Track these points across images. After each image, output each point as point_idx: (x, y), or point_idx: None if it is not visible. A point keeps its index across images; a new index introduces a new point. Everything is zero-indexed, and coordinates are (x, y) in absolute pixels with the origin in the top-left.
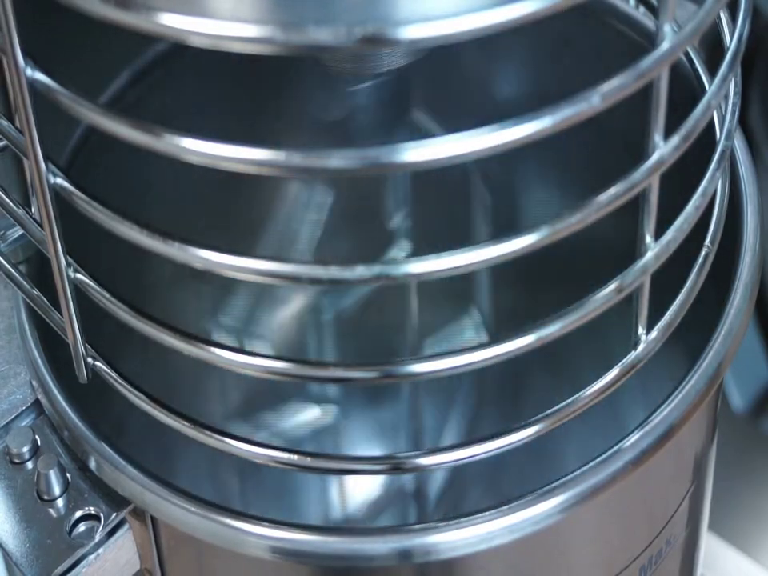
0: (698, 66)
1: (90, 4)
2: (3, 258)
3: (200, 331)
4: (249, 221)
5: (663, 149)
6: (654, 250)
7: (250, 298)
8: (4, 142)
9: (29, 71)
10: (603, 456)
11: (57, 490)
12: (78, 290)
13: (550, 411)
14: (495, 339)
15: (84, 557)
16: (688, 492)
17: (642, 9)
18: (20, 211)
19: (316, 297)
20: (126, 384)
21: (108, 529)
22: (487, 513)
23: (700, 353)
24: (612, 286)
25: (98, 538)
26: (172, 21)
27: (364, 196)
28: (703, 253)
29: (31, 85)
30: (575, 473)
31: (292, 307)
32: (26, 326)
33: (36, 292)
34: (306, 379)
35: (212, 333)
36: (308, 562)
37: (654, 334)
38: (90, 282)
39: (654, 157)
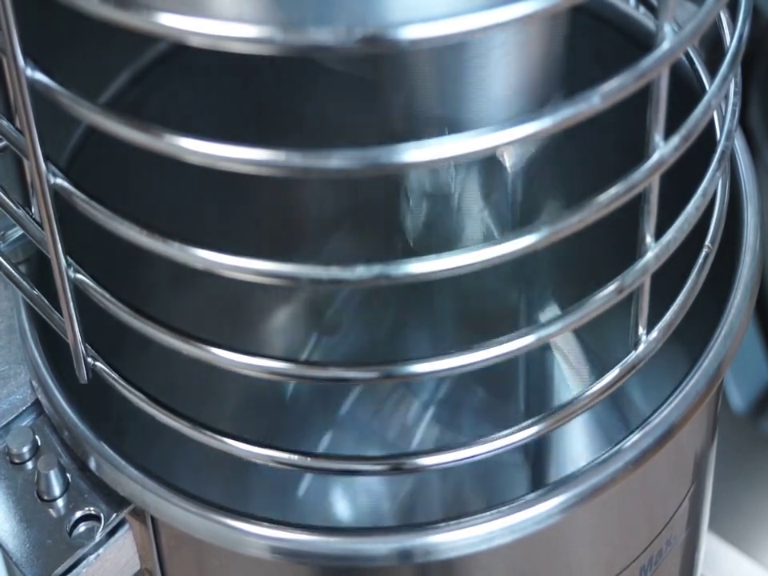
0: (698, 65)
1: (89, 4)
2: (3, 257)
3: (199, 331)
4: (250, 220)
5: (663, 149)
6: (654, 250)
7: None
8: (4, 142)
9: (29, 71)
10: (603, 456)
11: (57, 490)
12: (78, 289)
13: (549, 411)
14: (495, 339)
15: (84, 557)
16: (688, 492)
17: (642, 9)
18: (20, 211)
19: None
20: (126, 384)
21: (108, 529)
22: (487, 513)
23: (700, 353)
24: (612, 286)
25: (98, 538)
26: (172, 21)
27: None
28: (703, 253)
29: (31, 85)
30: (575, 473)
31: (292, 306)
32: (26, 326)
33: (36, 292)
34: (306, 379)
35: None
36: (308, 562)
37: (654, 333)
38: (90, 282)
39: (654, 157)
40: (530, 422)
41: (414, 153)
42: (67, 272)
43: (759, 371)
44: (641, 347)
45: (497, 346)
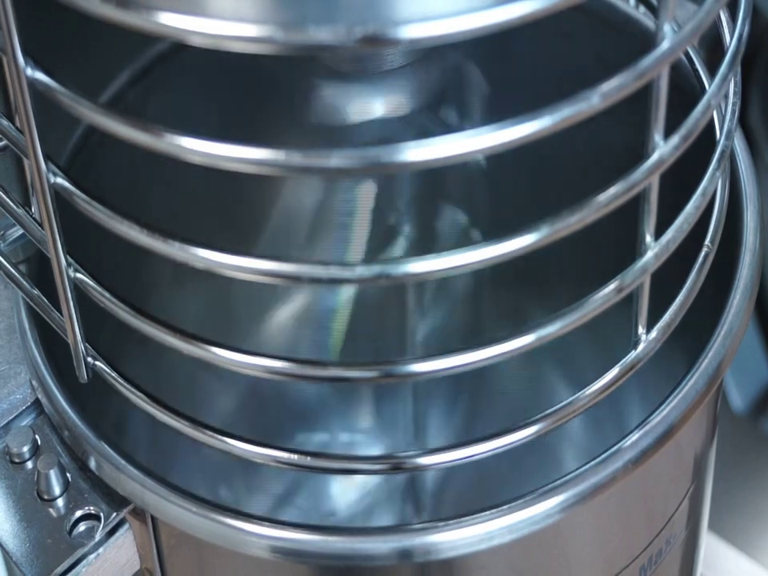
0: (697, 65)
1: (90, 4)
2: (3, 257)
3: (200, 331)
4: (249, 220)
5: (663, 148)
6: (654, 250)
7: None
8: (4, 142)
9: (29, 71)
10: (603, 456)
11: (57, 490)
12: (78, 289)
13: (549, 411)
14: (495, 340)
15: (84, 556)
16: (688, 492)
17: (642, 8)
18: (20, 211)
19: (315, 296)
20: (126, 384)
21: (108, 528)
22: (487, 513)
23: (700, 353)
24: (612, 286)
25: (98, 537)
26: (172, 21)
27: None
28: (703, 253)
29: (31, 85)
30: (575, 473)
31: (292, 306)
32: (26, 326)
33: (36, 292)
34: (306, 379)
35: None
36: (308, 561)
37: (653, 333)
38: (90, 282)
39: (654, 156)
40: (529, 421)
41: (414, 153)
42: (67, 271)
43: (759, 371)
44: (640, 347)
45: (497, 345)
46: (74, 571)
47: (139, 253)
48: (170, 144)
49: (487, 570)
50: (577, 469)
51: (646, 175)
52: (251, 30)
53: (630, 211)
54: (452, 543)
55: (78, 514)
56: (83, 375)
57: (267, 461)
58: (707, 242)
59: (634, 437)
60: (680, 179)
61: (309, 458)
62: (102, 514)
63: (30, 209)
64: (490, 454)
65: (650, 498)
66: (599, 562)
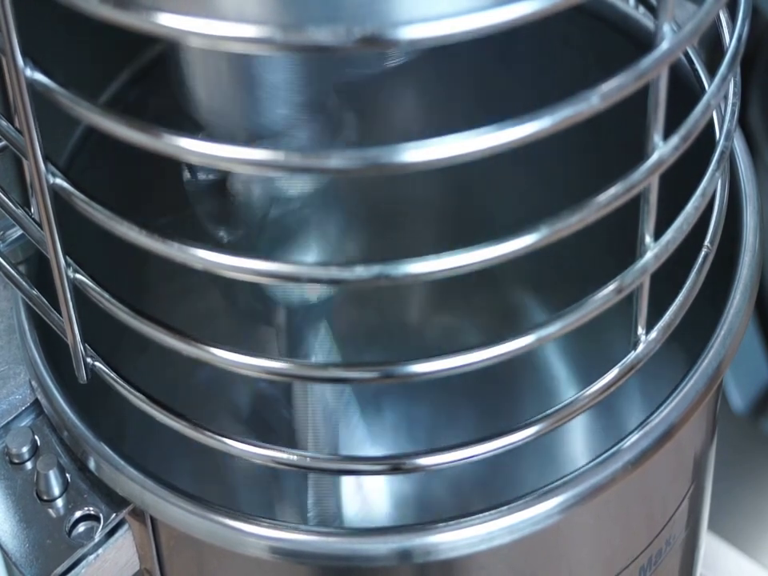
0: (697, 66)
1: (89, 4)
2: (3, 258)
3: (199, 333)
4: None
5: (663, 149)
6: (654, 250)
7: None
8: (4, 143)
9: (28, 71)
10: (603, 456)
11: (56, 491)
12: (78, 289)
13: (549, 411)
14: (495, 339)
15: (83, 557)
16: (688, 492)
17: (641, 9)
18: (19, 211)
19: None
20: (125, 384)
21: (108, 529)
22: (487, 513)
23: (700, 353)
24: (612, 286)
25: (97, 538)
26: (172, 21)
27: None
28: (703, 253)
29: (31, 85)
30: (575, 473)
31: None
32: (26, 326)
33: (35, 292)
34: (306, 380)
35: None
36: (308, 562)
37: (653, 334)
38: (90, 282)
39: (654, 157)
40: (529, 421)
41: (414, 153)
42: (66, 272)
43: (759, 371)
44: (640, 347)
45: (497, 345)
46: (73, 572)
47: (139, 253)
48: (170, 144)
49: (487, 571)
50: (577, 469)
51: (646, 175)
52: (250, 31)
53: (631, 211)
54: (452, 544)
55: (78, 514)
56: (82, 376)
57: (267, 461)
58: (707, 242)
59: (634, 437)
60: (680, 179)
61: (309, 458)
62: (101, 515)
63: (30, 209)
64: (490, 454)
65: (649, 498)
66: (599, 563)
